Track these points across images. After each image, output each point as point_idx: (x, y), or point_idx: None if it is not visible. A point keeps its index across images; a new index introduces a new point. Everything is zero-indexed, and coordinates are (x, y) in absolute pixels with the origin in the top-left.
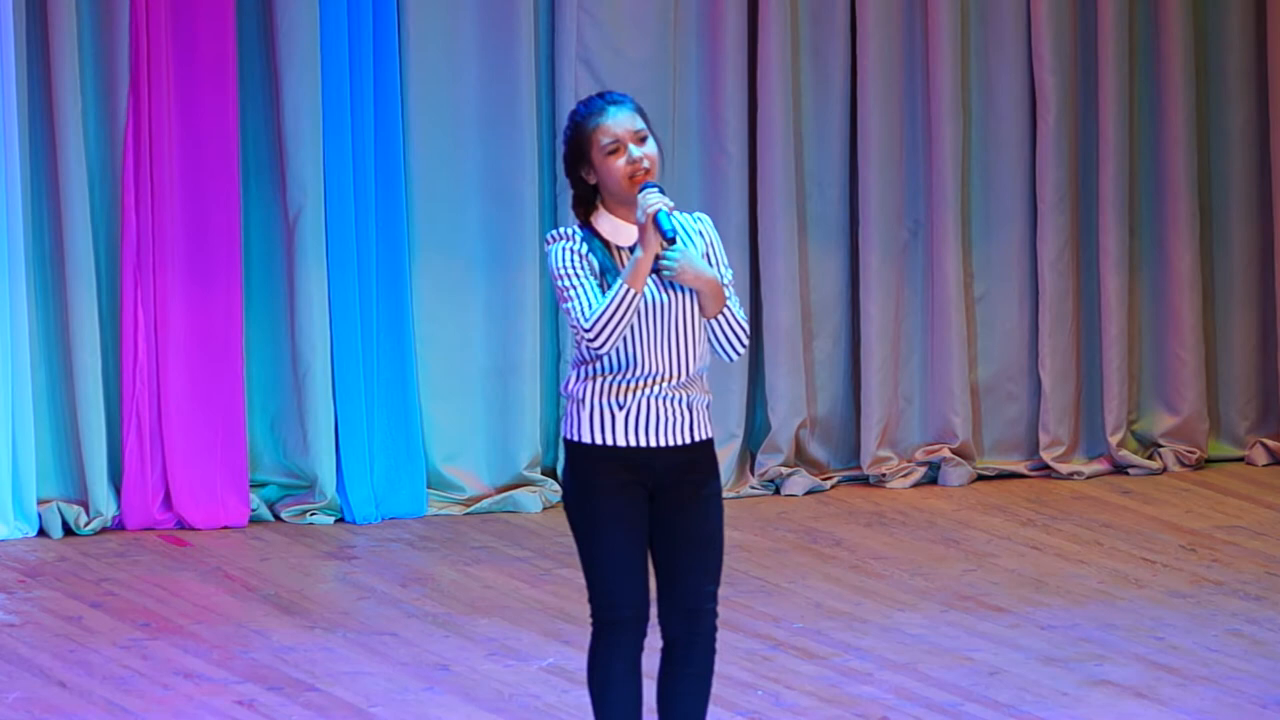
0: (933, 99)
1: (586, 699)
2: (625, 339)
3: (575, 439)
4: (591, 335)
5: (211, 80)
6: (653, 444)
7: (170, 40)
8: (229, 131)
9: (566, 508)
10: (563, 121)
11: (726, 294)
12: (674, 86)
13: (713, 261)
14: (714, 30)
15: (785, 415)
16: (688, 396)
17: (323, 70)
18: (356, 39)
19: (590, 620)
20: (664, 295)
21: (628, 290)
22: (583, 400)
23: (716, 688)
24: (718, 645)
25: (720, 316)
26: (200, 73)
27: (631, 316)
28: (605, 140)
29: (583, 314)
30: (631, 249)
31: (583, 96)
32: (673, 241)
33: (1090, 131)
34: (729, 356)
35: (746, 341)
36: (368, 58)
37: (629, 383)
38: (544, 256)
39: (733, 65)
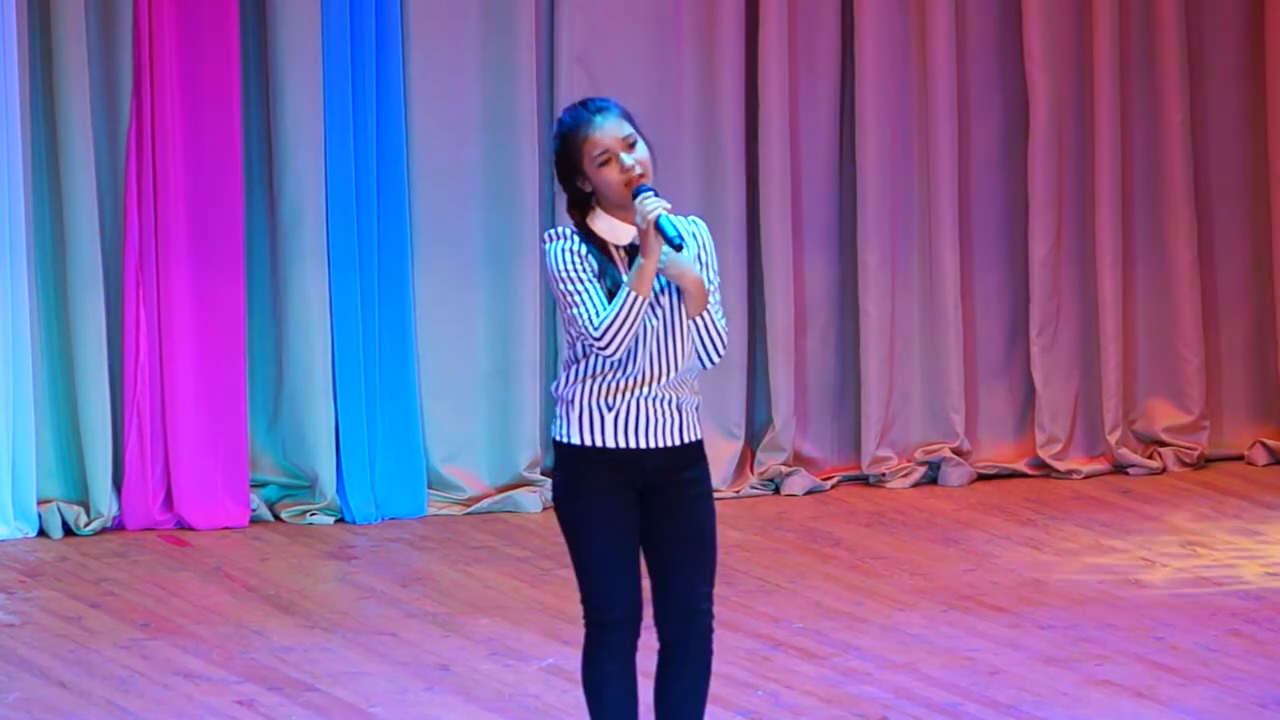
0: (929, 97)
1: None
2: None
3: (565, 441)
4: (603, 343)
5: (214, 80)
6: (642, 445)
7: (174, 39)
8: (232, 131)
9: (557, 509)
10: None
11: (711, 298)
12: (671, 87)
13: (703, 266)
14: (711, 30)
15: (785, 414)
16: (677, 398)
17: (324, 70)
18: (358, 39)
19: (583, 622)
20: (658, 297)
21: (635, 297)
22: (572, 402)
23: (716, 688)
24: (717, 645)
25: (702, 317)
26: (203, 72)
27: (640, 321)
28: (595, 152)
29: (591, 321)
30: (628, 248)
31: (580, 97)
32: (680, 247)
33: (1086, 129)
34: (705, 361)
35: (724, 350)
36: (369, 58)
37: (618, 383)
38: (542, 255)
39: (730, 65)
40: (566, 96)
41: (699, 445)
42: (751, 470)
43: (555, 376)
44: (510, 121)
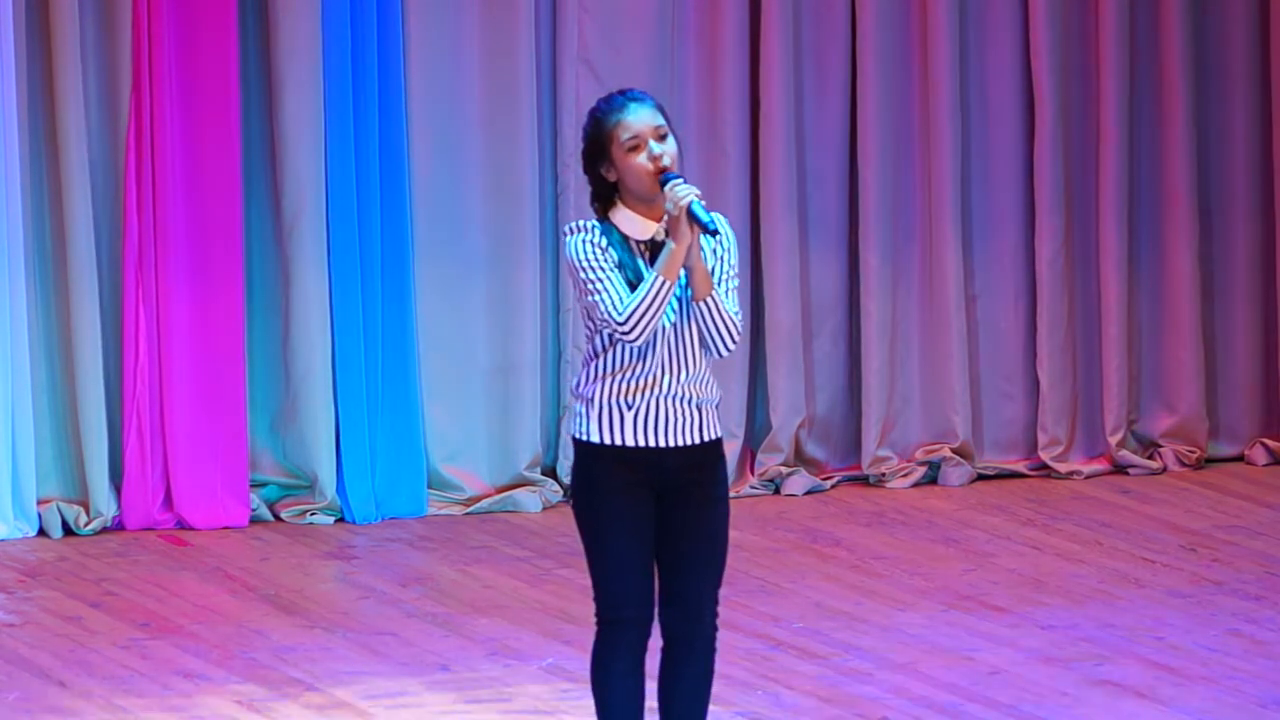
0: (932, 99)
1: (587, 699)
2: None
3: (584, 438)
4: (627, 328)
5: (213, 80)
6: (661, 444)
7: (172, 41)
8: (231, 131)
9: (574, 507)
10: (563, 121)
11: (721, 290)
12: (674, 87)
13: (725, 265)
14: (714, 30)
15: (785, 415)
16: (696, 397)
17: (324, 70)
18: (358, 39)
19: (594, 619)
20: (678, 292)
21: (663, 282)
22: (591, 400)
23: (716, 688)
24: (718, 645)
25: (708, 301)
26: (202, 73)
27: (665, 308)
28: (626, 136)
29: (614, 307)
30: (647, 243)
31: (584, 96)
32: (715, 233)
33: (1090, 131)
34: (715, 350)
35: (735, 340)
36: (370, 57)
37: (637, 381)
38: (561, 247)
39: (733, 65)
40: (568, 96)
41: (717, 444)
42: (752, 471)
43: (556, 375)
44: (511, 121)
